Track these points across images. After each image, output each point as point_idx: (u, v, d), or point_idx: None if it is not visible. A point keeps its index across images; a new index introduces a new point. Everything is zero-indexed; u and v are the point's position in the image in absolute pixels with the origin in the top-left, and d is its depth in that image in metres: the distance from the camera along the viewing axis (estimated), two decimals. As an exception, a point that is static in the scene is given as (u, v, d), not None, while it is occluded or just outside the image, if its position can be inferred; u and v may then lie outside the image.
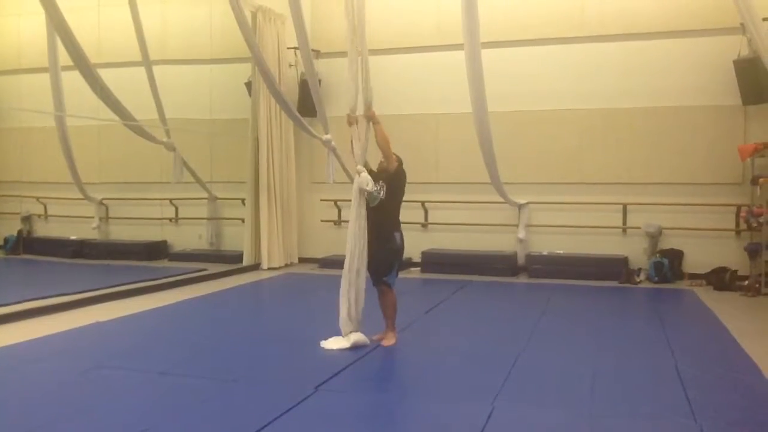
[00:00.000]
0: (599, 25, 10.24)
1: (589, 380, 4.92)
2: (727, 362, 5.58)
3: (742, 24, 8.56)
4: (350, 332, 5.81)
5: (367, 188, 5.76)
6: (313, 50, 10.16)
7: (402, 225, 6.05)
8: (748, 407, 4.51)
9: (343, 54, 6.12)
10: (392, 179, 5.92)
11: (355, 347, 5.73)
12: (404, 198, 6.09)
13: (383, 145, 5.87)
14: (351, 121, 6.01)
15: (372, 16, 11.11)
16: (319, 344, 5.81)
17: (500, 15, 10.39)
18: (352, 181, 6.02)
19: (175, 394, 4.63)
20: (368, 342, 5.86)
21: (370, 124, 5.96)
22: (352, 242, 5.81)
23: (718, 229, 9.79)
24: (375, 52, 11.23)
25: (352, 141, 6.02)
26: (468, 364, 5.45)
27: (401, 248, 5.98)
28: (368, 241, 5.84)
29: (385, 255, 5.88)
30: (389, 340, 5.92)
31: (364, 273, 5.84)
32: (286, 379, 4.94)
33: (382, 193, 5.85)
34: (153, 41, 10.25)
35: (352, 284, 5.79)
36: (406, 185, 6.07)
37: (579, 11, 10.36)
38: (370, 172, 5.96)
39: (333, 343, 5.79)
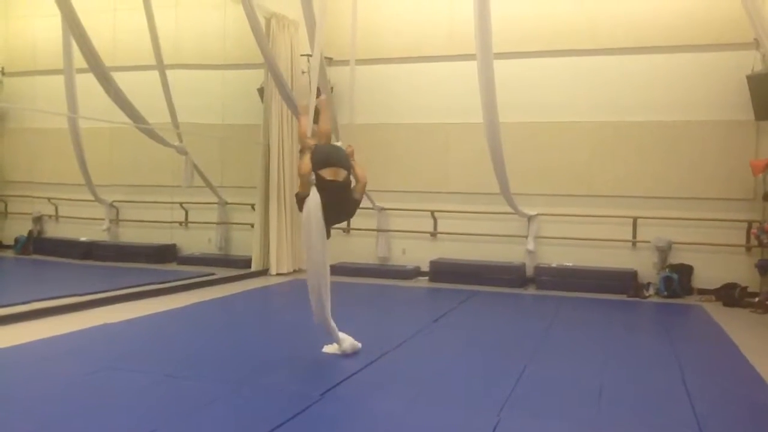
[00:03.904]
0: (611, 37, 10.23)
1: (596, 393, 4.90)
2: (735, 378, 5.54)
3: (755, 39, 8.53)
4: (341, 339, 5.81)
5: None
6: (326, 57, 10.23)
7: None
8: (756, 423, 4.48)
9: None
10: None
11: (354, 352, 5.74)
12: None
13: (364, 183, 6.03)
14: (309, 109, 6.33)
15: (384, 25, 11.34)
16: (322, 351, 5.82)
17: (513, 26, 10.41)
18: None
19: (181, 396, 4.64)
20: (359, 347, 5.83)
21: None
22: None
23: (729, 245, 9.74)
24: (387, 60, 11.50)
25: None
26: (474, 374, 5.43)
27: None
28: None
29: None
30: None
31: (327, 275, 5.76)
32: (292, 385, 4.94)
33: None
34: (167, 45, 10.32)
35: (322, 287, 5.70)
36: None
37: (591, 24, 10.35)
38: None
39: (330, 348, 5.81)
